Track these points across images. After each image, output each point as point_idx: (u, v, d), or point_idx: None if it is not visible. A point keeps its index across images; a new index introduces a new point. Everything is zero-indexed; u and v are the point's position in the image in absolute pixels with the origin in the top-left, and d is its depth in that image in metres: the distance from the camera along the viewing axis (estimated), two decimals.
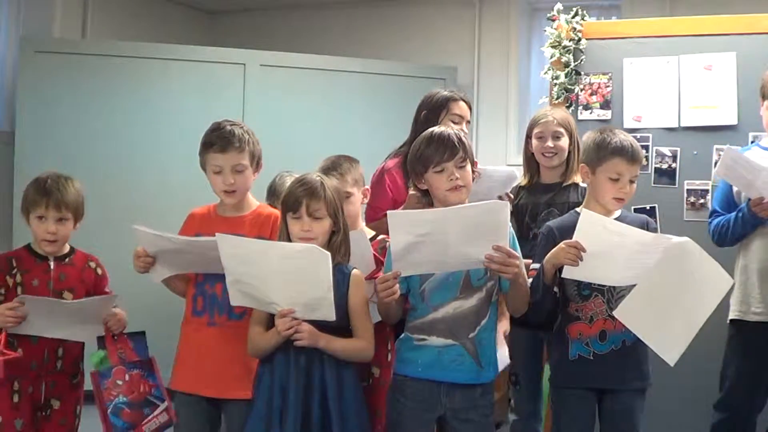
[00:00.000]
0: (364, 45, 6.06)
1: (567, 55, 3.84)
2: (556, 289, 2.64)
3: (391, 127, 4.96)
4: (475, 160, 2.64)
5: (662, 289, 2.49)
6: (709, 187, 3.59)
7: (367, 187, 3.02)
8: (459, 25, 6.02)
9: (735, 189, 3.11)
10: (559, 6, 3.89)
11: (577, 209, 2.67)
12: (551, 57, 3.87)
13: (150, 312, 4.36)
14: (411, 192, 2.89)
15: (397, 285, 2.41)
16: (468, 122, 3.37)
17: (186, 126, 4.68)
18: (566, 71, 3.83)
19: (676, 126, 3.72)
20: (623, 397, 2.63)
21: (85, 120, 4.97)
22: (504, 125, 5.83)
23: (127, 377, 2.70)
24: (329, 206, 2.52)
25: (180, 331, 2.80)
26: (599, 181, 2.66)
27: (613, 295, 2.60)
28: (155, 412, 2.71)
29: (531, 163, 3.36)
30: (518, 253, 2.49)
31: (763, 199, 2.90)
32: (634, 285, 2.51)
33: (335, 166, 2.87)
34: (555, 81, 3.86)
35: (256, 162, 2.76)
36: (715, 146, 3.60)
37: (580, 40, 3.84)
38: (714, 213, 3.19)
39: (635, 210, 3.47)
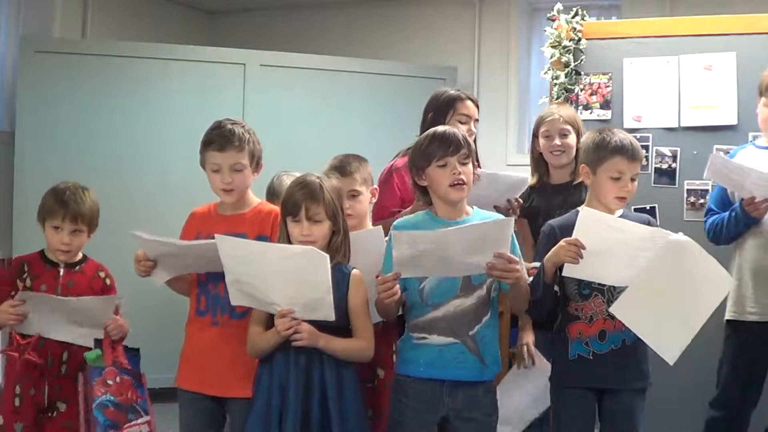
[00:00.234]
0: (364, 45, 6.06)
1: (567, 55, 3.84)
2: (556, 287, 2.64)
3: (391, 127, 4.99)
4: (476, 162, 2.65)
5: (661, 286, 2.49)
6: (709, 187, 3.59)
7: (376, 186, 3.01)
8: (459, 25, 6.02)
9: (730, 188, 3.12)
10: (559, 6, 3.89)
11: (579, 208, 2.68)
12: (551, 57, 3.87)
13: (151, 312, 4.39)
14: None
15: (398, 286, 2.41)
16: (476, 121, 3.34)
17: (186, 126, 4.67)
18: (566, 71, 3.84)
19: (676, 126, 3.72)
20: (623, 397, 2.63)
21: (85, 120, 4.97)
22: (504, 125, 5.84)
23: (118, 379, 2.71)
24: (328, 208, 2.52)
25: (185, 330, 2.81)
26: (600, 180, 2.67)
27: (613, 294, 2.60)
28: (138, 420, 2.71)
29: (539, 163, 3.34)
30: (519, 255, 2.49)
31: (755, 199, 2.91)
32: None
33: (344, 164, 2.86)
34: (555, 81, 3.86)
35: (256, 162, 2.75)
36: (715, 146, 3.60)
37: (580, 40, 3.84)
38: (710, 211, 3.20)
39: (635, 210, 3.46)
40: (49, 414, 2.79)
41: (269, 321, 2.50)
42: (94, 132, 4.98)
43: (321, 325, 2.45)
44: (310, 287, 2.40)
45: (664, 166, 3.73)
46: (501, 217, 2.67)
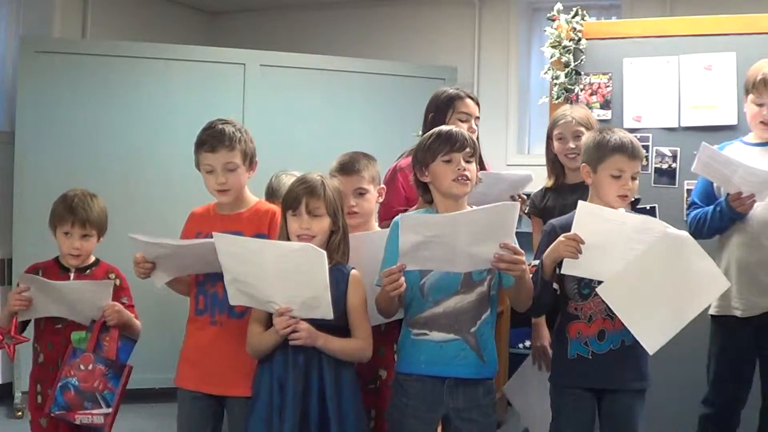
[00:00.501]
0: (364, 45, 6.07)
1: (567, 55, 3.84)
2: (556, 286, 2.64)
3: (391, 127, 5.00)
4: (479, 165, 2.65)
5: (652, 275, 2.50)
6: None
7: (383, 186, 3.00)
8: (459, 25, 6.03)
9: (715, 182, 3.12)
10: (559, 6, 3.89)
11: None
12: (551, 57, 3.87)
13: (150, 312, 4.38)
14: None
15: (403, 278, 2.40)
16: (477, 118, 3.33)
17: (186, 126, 4.60)
18: (566, 71, 3.83)
19: (676, 126, 3.72)
20: (622, 398, 2.63)
21: (85, 120, 4.96)
22: (504, 125, 5.84)
23: (90, 367, 2.78)
24: (329, 205, 2.52)
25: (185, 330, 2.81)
26: (601, 179, 2.67)
27: None
28: (94, 410, 2.77)
29: (555, 164, 3.32)
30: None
31: (741, 194, 2.91)
32: None
33: (353, 161, 2.85)
34: (555, 81, 3.85)
35: (250, 160, 2.76)
36: (716, 146, 3.59)
37: (580, 40, 3.84)
38: (693, 205, 3.20)
39: (636, 210, 3.46)
40: None
41: (269, 320, 2.50)
42: (94, 132, 4.97)
43: (319, 325, 2.45)
44: (307, 285, 2.40)
45: (664, 166, 3.72)
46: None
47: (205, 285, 2.73)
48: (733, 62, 3.62)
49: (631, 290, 2.51)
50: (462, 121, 3.23)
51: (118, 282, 2.95)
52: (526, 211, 3.33)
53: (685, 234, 2.53)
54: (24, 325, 2.91)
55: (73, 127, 4.94)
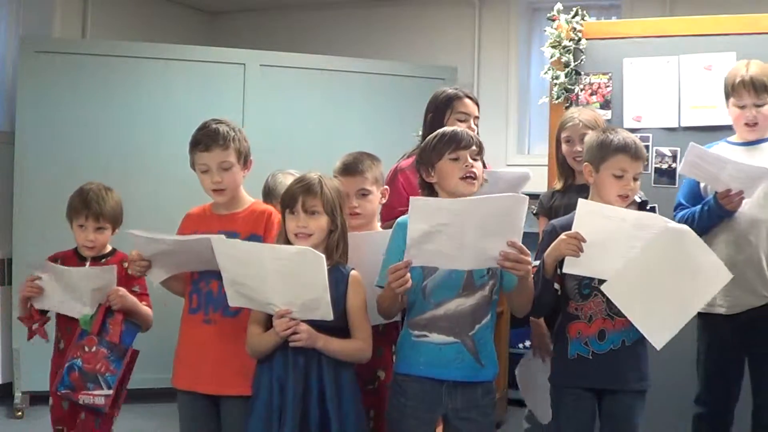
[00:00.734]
0: (364, 45, 6.06)
1: (567, 55, 3.84)
2: (557, 286, 2.64)
3: (391, 127, 5.00)
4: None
5: (654, 270, 2.50)
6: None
7: (386, 187, 2.99)
8: (459, 25, 6.03)
9: (702, 183, 3.13)
10: (559, 6, 3.89)
11: None
12: (551, 57, 3.87)
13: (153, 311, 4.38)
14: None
15: (409, 275, 2.39)
16: (476, 118, 3.32)
17: (186, 126, 4.58)
18: (566, 71, 3.83)
19: (676, 126, 3.72)
20: (622, 398, 2.63)
21: (85, 120, 4.97)
22: (504, 125, 5.84)
23: (94, 348, 2.87)
24: (326, 203, 2.52)
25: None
26: (603, 178, 2.67)
27: None
28: (95, 391, 2.85)
29: (564, 166, 3.29)
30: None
31: (730, 191, 2.92)
32: None
33: (356, 162, 2.84)
34: (555, 81, 3.86)
35: (244, 159, 2.77)
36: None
37: (580, 40, 3.84)
38: (679, 206, 3.20)
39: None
40: None
41: (268, 321, 2.50)
42: (94, 132, 4.98)
43: (319, 326, 2.44)
44: (306, 287, 2.40)
45: (664, 166, 3.72)
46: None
47: (199, 283, 2.73)
48: (733, 62, 3.60)
49: (635, 287, 2.51)
50: (461, 121, 3.22)
51: (131, 271, 2.95)
52: (534, 212, 3.33)
53: (686, 228, 2.55)
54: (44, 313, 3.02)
55: (73, 127, 4.95)
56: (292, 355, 2.46)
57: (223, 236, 2.54)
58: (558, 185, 3.32)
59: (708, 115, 3.66)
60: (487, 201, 2.41)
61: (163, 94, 5.10)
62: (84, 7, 5.60)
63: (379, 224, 2.97)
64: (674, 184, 3.71)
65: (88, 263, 3.01)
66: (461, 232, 2.37)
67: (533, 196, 3.40)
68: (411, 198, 2.42)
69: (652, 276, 2.51)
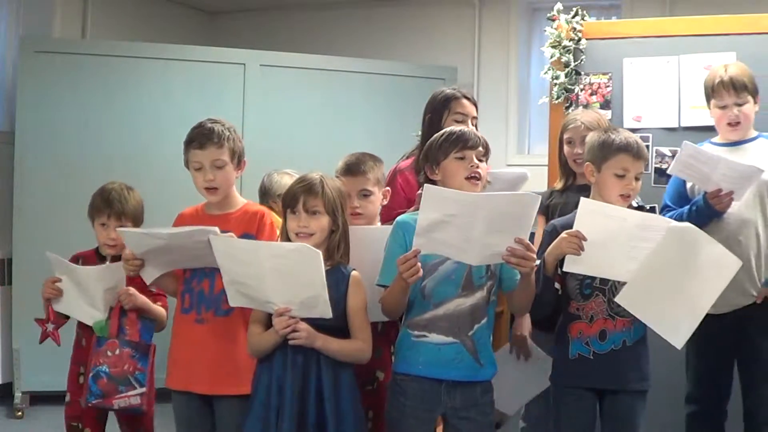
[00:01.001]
0: (364, 45, 6.07)
1: (567, 55, 3.84)
2: (558, 285, 2.65)
3: (391, 127, 5.00)
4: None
5: (664, 273, 2.51)
6: None
7: (388, 188, 2.99)
8: (459, 25, 6.03)
9: (688, 184, 3.13)
10: (559, 6, 3.89)
11: None
12: (551, 57, 3.87)
13: None
14: (419, 193, 2.88)
15: (419, 264, 2.39)
16: (474, 118, 3.31)
17: (186, 126, 4.57)
18: (566, 71, 3.83)
19: (676, 126, 3.72)
20: (623, 399, 2.63)
21: (85, 120, 4.97)
22: (504, 125, 5.84)
23: (117, 351, 2.85)
24: (327, 203, 2.52)
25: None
26: (605, 178, 2.68)
27: (614, 294, 2.60)
28: (129, 392, 2.83)
29: (566, 167, 3.29)
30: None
31: (720, 191, 2.92)
32: None
33: (359, 162, 2.85)
34: (555, 81, 3.85)
35: (238, 159, 2.78)
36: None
37: (580, 40, 3.84)
38: (666, 208, 3.20)
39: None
40: None
41: (268, 321, 2.50)
42: (94, 132, 4.98)
43: (319, 326, 2.45)
44: (305, 285, 2.40)
45: (664, 166, 3.71)
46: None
47: (191, 282, 2.73)
48: (733, 62, 3.61)
49: (648, 293, 2.51)
50: (458, 122, 3.20)
51: (125, 270, 2.97)
52: None
53: (689, 225, 2.56)
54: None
55: (73, 127, 4.95)
56: (291, 354, 2.46)
57: (217, 229, 2.56)
58: (558, 185, 3.32)
59: (708, 115, 3.64)
60: (499, 197, 2.42)
61: (163, 94, 5.10)
62: (84, 7, 5.60)
63: (379, 225, 2.97)
64: None
65: (108, 262, 3.00)
66: (470, 225, 2.36)
67: None
68: (425, 185, 2.41)
69: (664, 278, 2.51)
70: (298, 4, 6.40)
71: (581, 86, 3.85)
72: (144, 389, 2.83)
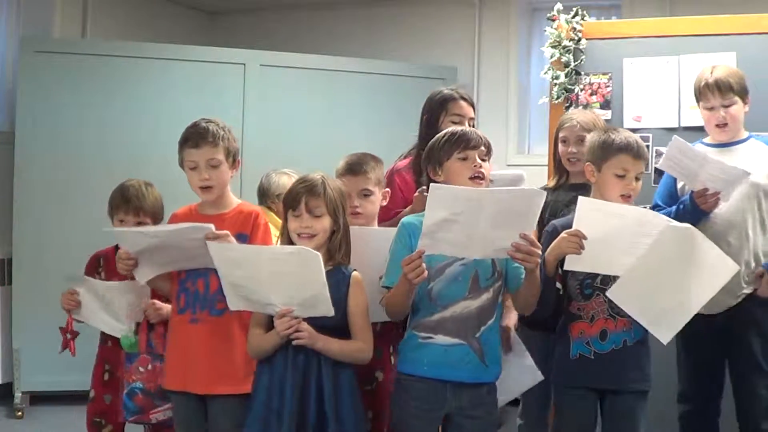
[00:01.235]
0: (364, 45, 6.06)
1: (567, 55, 3.84)
2: (559, 285, 2.65)
3: (391, 127, 4.99)
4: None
5: (658, 270, 2.51)
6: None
7: (388, 189, 2.99)
8: (459, 25, 6.02)
9: (679, 184, 3.13)
10: (559, 6, 3.89)
11: None
12: (551, 57, 3.87)
13: None
14: (416, 194, 2.88)
15: (424, 264, 2.38)
16: (471, 119, 3.29)
17: (186, 126, 4.66)
18: (566, 71, 3.83)
19: (676, 126, 3.72)
20: (624, 398, 2.64)
21: (85, 120, 4.97)
22: (504, 125, 5.83)
23: (149, 367, 2.85)
24: (329, 204, 2.52)
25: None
26: (605, 178, 2.68)
27: None
28: (165, 405, 2.81)
29: (560, 165, 3.29)
30: None
31: (707, 191, 2.92)
32: None
33: (360, 162, 2.85)
34: (555, 81, 3.85)
35: (233, 158, 2.78)
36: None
37: (580, 40, 3.84)
38: (656, 207, 3.20)
39: None
40: None
41: (269, 323, 2.50)
42: (94, 132, 4.98)
43: (320, 326, 2.45)
44: (305, 286, 2.40)
45: None
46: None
47: (185, 283, 2.73)
48: (733, 62, 3.61)
49: (640, 288, 2.52)
50: (455, 123, 3.18)
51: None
52: None
53: (688, 225, 2.56)
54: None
55: (73, 127, 4.95)
56: (292, 354, 2.46)
57: (212, 226, 2.56)
58: (550, 183, 3.32)
59: None
60: (505, 192, 2.42)
61: (163, 94, 5.10)
62: (84, 7, 5.60)
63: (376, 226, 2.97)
64: None
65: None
66: (475, 221, 2.36)
67: None
68: (431, 185, 2.41)
69: (657, 276, 2.52)
70: (298, 4, 6.40)
71: (581, 86, 3.85)
72: None
